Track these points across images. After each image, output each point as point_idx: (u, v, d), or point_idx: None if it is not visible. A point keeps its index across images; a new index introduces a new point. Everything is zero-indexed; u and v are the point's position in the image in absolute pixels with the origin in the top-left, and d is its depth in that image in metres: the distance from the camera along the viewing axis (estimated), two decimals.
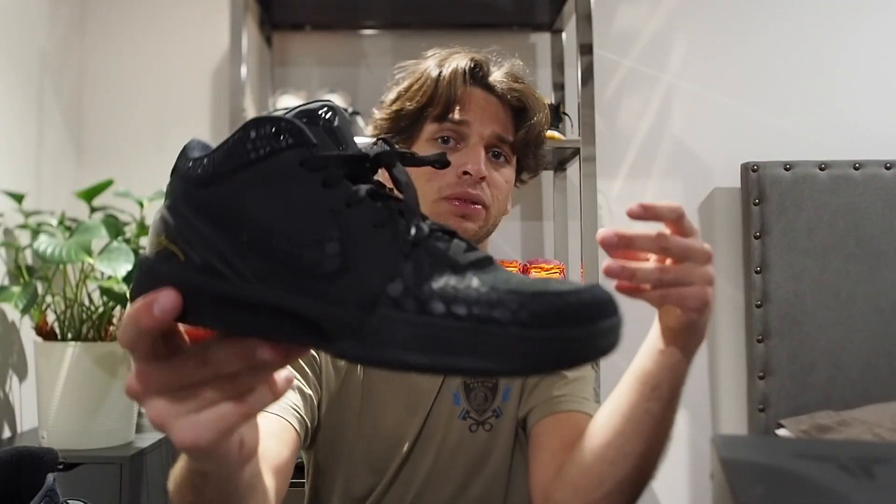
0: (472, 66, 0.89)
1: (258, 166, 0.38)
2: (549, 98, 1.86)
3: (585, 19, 1.73)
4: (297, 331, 0.36)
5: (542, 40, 2.04)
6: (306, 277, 0.36)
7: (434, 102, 0.88)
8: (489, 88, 0.90)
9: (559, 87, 1.98)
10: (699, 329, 0.65)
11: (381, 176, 0.42)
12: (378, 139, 0.42)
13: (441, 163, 0.42)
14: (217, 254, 0.37)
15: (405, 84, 0.92)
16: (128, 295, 0.40)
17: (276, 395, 0.41)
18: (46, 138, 1.78)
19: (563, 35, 1.99)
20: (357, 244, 0.36)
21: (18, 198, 1.49)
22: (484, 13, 1.93)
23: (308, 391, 0.84)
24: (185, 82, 1.99)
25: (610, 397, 0.73)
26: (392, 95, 0.93)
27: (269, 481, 0.65)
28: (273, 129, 0.38)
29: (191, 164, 0.40)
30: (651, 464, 0.71)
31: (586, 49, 1.72)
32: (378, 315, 0.34)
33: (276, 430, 0.75)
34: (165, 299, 0.37)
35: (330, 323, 0.35)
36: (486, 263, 0.37)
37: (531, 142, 0.93)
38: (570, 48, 1.97)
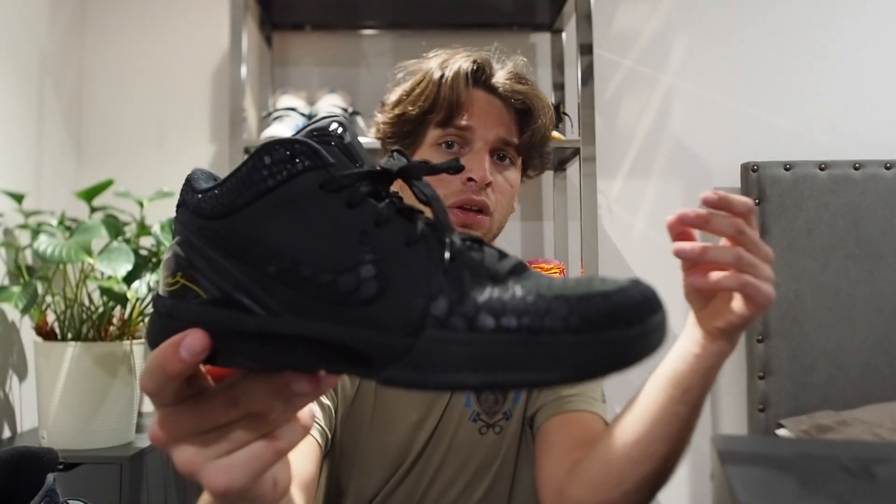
0: (475, 68, 0.88)
1: (276, 193, 0.36)
2: (549, 98, 1.86)
3: (585, 19, 1.73)
4: (337, 361, 0.35)
5: (542, 40, 2.04)
6: (343, 305, 0.34)
7: (437, 107, 0.86)
8: (492, 90, 0.89)
9: (559, 87, 1.98)
10: (742, 332, 0.66)
11: (395, 187, 0.40)
12: (392, 151, 0.40)
13: (455, 168, 0.40)
14: (241, 288, 0.36)
15: (407, 86, 0.90)
16: (145, 339, 0.38)
17: (307, 429, 0.40)
18: (46, 138, 1.78)
19: (563, 35, 1.98)
20: (393, 265, 0.35)
21: (18, 198, 1.49)
22: (484, 13, 1.93)
23: (326, 401, 0.83)
24: (185, 82, 1.99)
25: (637, 398, 0.72)
26: (394, 98, 0.91)
27: (299, 499, 0.64)
28: (288, 153, 0.36)
29: (200, 196, 0.38)
30: (671, 465, 0.71)
31: (586, 49, 1.72)
32: (426, 337, 0.33)
33: (300, 447, 0.72)
34: (193, 341, 0.35)
35: (374, 350, 0.34)
36: (522, 269, 0.36)
37: (536, 143, 0.92)
38: (570, 48, 1.97)
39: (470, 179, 0.84)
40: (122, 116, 1.97)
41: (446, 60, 0.89)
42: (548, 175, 2.01)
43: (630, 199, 2.00)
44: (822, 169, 1.85)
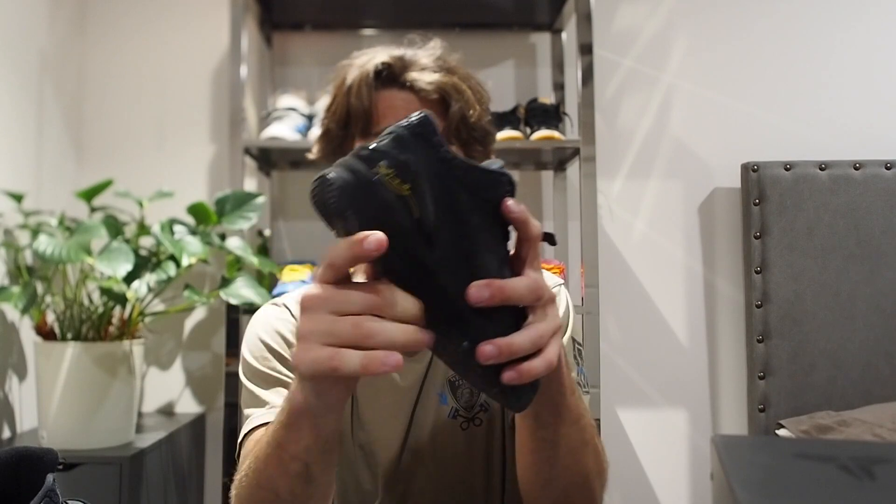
0: (379, 69, 0.85)
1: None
2: (549, 98, 1.86)
3: (585, 19, 1.73)
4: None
5: (542, 40, 2.04)
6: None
7: (352, 119, 0.84)
8: (404, 87, 0.85)
9: (559, 87, 1.98)
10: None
11: None
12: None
13: None
14: (433, 228, 0.45)
15: (328, 101, 0.89)
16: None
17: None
18: (46, 138, 1.78)
19: (563, 35, 1.98)
20: None
21: (18, 198, 1.49)
22: (484, 13, 1.93)
23: None
24: (185, 82, 1.99)
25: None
26: (322, 115, 0.90)
27: None
28: None
29: (444, 147, 0.47)
30: (583, 483, 0.69)
31: (586, 49, 1.72)
32: None
33: None
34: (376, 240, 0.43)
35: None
36: None
37: (461, 129, 0.86)
38: (570, 48, 1.97)
39: None
40: (122, 116, 1.97)
41: (357, 65, 0.86)
42: (548, 175, 2.01)
43: (630, 199, 2.00)
44: (822, 169, 1.85)
